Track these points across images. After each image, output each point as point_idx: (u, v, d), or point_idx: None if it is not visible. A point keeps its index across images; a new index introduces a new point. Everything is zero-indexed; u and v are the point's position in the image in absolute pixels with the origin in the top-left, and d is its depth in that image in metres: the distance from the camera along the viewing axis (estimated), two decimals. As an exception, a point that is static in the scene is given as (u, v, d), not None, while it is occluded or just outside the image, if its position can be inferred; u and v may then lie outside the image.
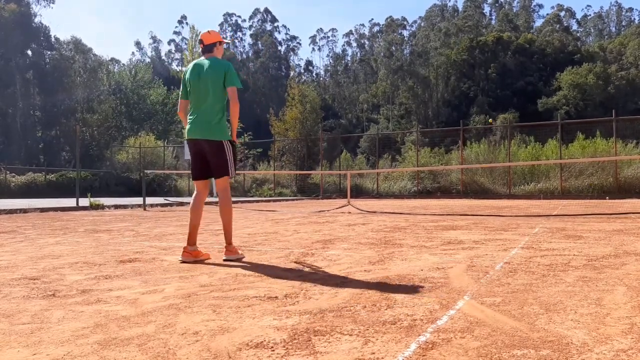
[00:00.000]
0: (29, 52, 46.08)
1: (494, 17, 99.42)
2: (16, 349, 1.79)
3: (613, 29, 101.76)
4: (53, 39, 48.88)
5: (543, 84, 62.35)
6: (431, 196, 20.89)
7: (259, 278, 3.10)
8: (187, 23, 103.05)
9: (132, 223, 8.00)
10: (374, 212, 10.63)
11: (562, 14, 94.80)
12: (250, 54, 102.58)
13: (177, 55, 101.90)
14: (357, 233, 5.91)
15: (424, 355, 1.66)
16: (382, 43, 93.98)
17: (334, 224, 7.50)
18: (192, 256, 3.81)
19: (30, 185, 25.67)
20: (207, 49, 4.00)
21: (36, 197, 21.75)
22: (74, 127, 34.77)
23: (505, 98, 61.75)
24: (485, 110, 58.49)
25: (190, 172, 4.17)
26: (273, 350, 1.72)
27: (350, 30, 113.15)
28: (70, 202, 14.82)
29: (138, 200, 15.61)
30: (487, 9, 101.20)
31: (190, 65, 4.01)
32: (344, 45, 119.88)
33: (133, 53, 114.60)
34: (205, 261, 3.81)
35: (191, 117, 3.91)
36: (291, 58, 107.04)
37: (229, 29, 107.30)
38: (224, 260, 3.82)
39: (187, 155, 7.36)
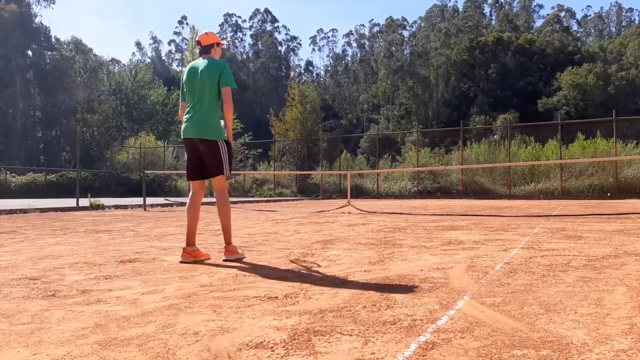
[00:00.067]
0: (30, 53, 46.10)
1: (494, 18, 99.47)
2: (16, 349, 1.79)
3: (613, 29, 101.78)
4: (53, 39, 48.90)
5: (543, 84, 62.36)
6: (431, 196, 20.89)
7: (259, 278, 3.10)
8: (187, 23, 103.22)
9: (132, 223, 8.00)
10: (374, 212, 10.63)
11: (562, 14, 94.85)
12: (250, 54, 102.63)
13: (178, 56, 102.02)
14: (357, 233, 5.91)
15: (424, 356, 1.66)
16: (382, 43, 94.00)
17: (334, 224, 7.50)
18: (192, 256, 3.81)
19: (31, 186, 25.67)
20: (205, 50, 4.02)
21: (36, 197, 21.75)
22: (74, 127, 34.78)
23: (505, 98, 61.77)
24: (486, 110, 58.52)
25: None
26: (273, 351, 1.73)
27: (351, 31, 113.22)
28: (70, 202, 14.82)
29: (138, 200, 15.62)
30: (487, 9, 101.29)
31: (187, 67, 4.05)
32: (344, 45, 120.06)
33: (133, 53, 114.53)
34: (205, 261, 3.81)
35: (187, 116, 3.92)
36: (291, 58, 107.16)
37: (229, 29, 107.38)
38: (224, 260, 3.82)
39: (187, 156, 7.35)
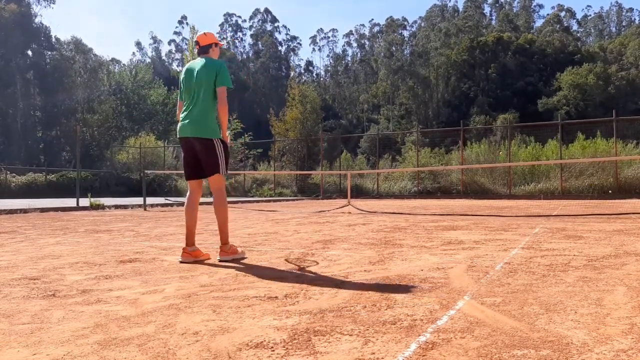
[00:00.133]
0: (30, 53, 46.13)
1: (494, 18, 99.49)
2: (16, 349, 1.79)
3: (613, 29, 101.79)
4: (53, 39, 48.93)
5: (543, 84, 62.38)
6: (431, 196, 20.89)
7: (259, 278, 3.10)
8: (187, 23, 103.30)
9: (133, 223, 8.00)
10: (374, 212, 10.63)
11: (563, 14, 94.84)
12: (250, 54, 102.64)
13: (178, 56, 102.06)
14: (357, 233, 5.91)
15: (424, 355, 1.66)
16: (382, 43, 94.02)
17: (334, 224, 7.50)
18: (192, 256, 3.80)
19: (31, 186, 25.67)
20: (203, 50, 4.03)
21: (36, 197, 21.75)
22: (74, 127, 34.78)
23: (505, 98, 61.78)
24: (486, 110, 58.54)
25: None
26: (273, 351, 1.72)
27: (351, 31, 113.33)
28: (70, 202, 14.82)
29: (138, 200, 15.62)
30: (487, 9, 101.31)
31: (185, 66, 4.06)
32: (344, 45, 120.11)
33: (133, 53, 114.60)
34: (205, 261, 3.81)
35: (183, 115, 3.92)
36: (291, 58, 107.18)
37: (229, 29, 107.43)
38: (219, 260, 3.80)
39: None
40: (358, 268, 3.40)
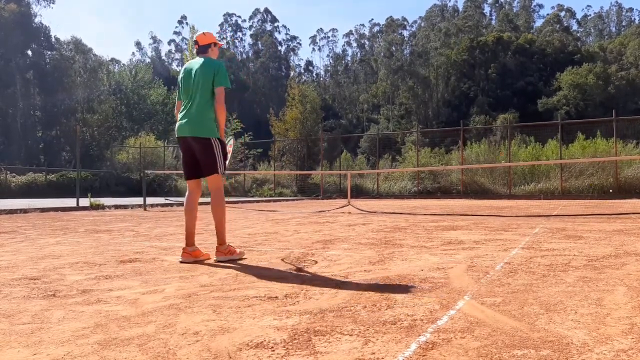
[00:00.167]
0: (29, 52, 46.12)
1: (494, 17, 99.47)
2: (16, 349, 1.79)
3: (613, 29, 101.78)
4: (53, 39, 48.91)
5: (543, 84, 62.38)
6: (431, 196, 20.89)
7: (259, 278, 3.10)
8: (187, 23, 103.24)
9: (133, 223, 8.00)
10: (374, 212, 10.63)
11: (562, 14, 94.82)
12: (250, 54, 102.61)
13: (177, 56, 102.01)
14: (357, 233, 5.91)
15: (424, 356, 1.66)
16: (382, 43, 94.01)
17: (334, 224, 7.51)
18: (192, 256, 3.80)
19: (31, 186, 25.67)
20: (202, 49, 4.02)
21: (36, 197, 21.75)
22: (74, 127, 34.79)
23: (505, 98, 61.78)
24: (486, 110, 58.53)
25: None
26: (273, 351, 1.73)
27: (351, 31, 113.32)
28: (70, 202, 14.82)
29: (138, 200, 15.62)
30: (487, 9, 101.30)
31: (184, 66, 4.05)
32: (344, 45, 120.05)
33: (133, 53, 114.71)
34: (205, 261, 3.81)
35: (181, 115, 3.92)
36: (291, 58, 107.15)
37: (229, 29, 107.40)
38: (215, 260, 3.79)
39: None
40: (358, 268, 3.40)
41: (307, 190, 24.22)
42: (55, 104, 43.65)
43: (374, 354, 1.68)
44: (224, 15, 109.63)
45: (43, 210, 11.81)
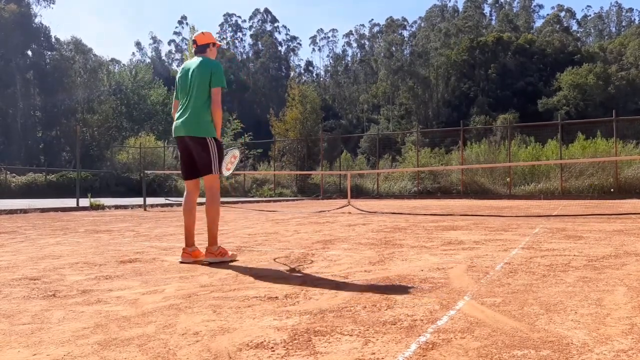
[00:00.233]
0: (29, 53, 46.13)
1: (494, 18, 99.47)
2: (16, 349, 1.79)
3: (613, 30, 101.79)
4: (53, 40, 48.93)
5: (543, 84, 62.37)
6: (431, 196, 20.89)
7: (259, 278, 3.10)
8: (187, 23, 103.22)
9: (133, 223, 8.00)
10: (374, 212, 10.63)
11: (562, 14, 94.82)
12: (250, 54, 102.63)
13: (178, 56, 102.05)
14: (357, 233, 5.91)
15: (424, 356, 1.66)
16: (382, 43, 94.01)
17: (334, 224, 7.51)
18: (192, 257, 3.80)
19: (31, 186, 25.68)
20: (200, 49, 4.00)
21: (36, 198, 21.76)
22: (74, 127, 34.79)
23: (505, 98, 61.77)
24: (486, 110, 58.53)
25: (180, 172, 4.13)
26: (273, 351, 1.73)
27: (351, 31, 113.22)
28: (70, 202, 14.82)
29: (138, 200, 15.62)
30: (487, 10, 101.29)
31: (182, 66, 4.05)
32: (344, 45, 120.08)
33: (133, 53, 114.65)
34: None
35: (178, 115, 3.91)
36: (291, 58, 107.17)
37: (229, 29, 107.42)
38: (205, 262, 3.74)
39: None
40: (358, 268, 3.40)
41: (307, 190, 24.22)
42: (55, 104, 43.67)
43: (374, 354, 1.68)
44: (224, 15, 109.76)
45: (43, 210, 11.81)
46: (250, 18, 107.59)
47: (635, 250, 4.09)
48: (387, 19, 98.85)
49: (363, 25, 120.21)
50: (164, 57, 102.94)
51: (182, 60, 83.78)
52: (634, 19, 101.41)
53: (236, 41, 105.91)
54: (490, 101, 62.26)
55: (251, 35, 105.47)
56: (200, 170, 3.84)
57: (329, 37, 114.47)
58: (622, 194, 17.42)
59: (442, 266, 3.44)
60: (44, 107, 44.79)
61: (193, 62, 3.92)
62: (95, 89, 44.83)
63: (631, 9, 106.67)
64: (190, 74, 3.85)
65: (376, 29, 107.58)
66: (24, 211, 11.34)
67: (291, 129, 26.93)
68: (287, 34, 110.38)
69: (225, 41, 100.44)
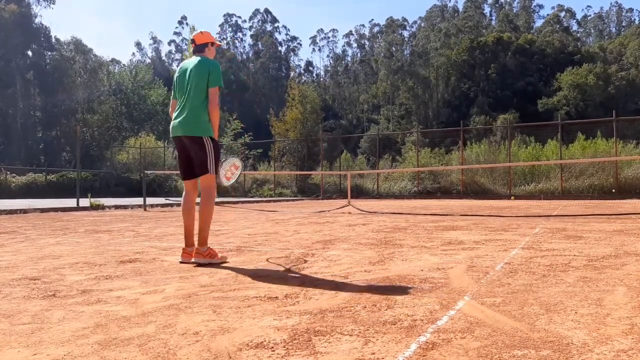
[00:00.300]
0: (30, 53, 46.15)
1: (494, 18, 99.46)
2: (16, 349, 1.79)
3: (613, 30, 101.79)
4: (53, 40, 48.95)
5: (543, 85, 62.37)
6: (431, 196, 20.89)
7: (259, 278, 3.09)
8: (187, 23, 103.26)
9: (133, 223, 8.00)
10: (374, 212, 10.63)
11: (562, 14, 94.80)
12: (250, 55, 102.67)
13: (178, 56, 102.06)
14: (357, 233, 5.91)
15: (424, 356, 1.66)
16: (382, 43, 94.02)
17: (334, 224, 7.51)
18: (192, 257, 3.80)
19: (31, 186, 25.68)
20: (199, 48, 3.98)
21: (36, 198, 21.76)
22: (74, 127, 34.80)
23: (505, 98, 61.78)
24: (486, 110, 58.53)
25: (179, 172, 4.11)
26: (273, 351, 1.72)
27: (351, 31, 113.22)
28: (70, 202, 14.82)
29: (138, 200, 15.62)
30: (487, 10, 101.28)
31: (180, 65, 4.04)
32: (344, 45, 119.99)
33: (133, 53, 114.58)
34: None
35: (175, 114, 3.89)
36: (291, 58, 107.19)
37: (229, 29, 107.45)
38: (192, 262, 3.69)
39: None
40: (358, 268, 3.40)
41: (307, 190, 24.22)
42: (55, 104, 43.68)
43: (374, 354, 1.68)
44: (224, 15, 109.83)
45: (43, 210, 11.81)
46: (250, 18, 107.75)
47: (635, 250, 4.09)
48: (387, 19, 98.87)
49: (363, 26, 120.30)
50: (164, 57, 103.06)
51: (182, 61, 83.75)
52: (634, 19, 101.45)
53: (236, 41, 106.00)
54: (490, 101, 62.26)
55: (251, 36, 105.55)
56: (197, 169, 3.81)
57: (329, 37, 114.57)
58: (622, 194, 17.42)
59: (442, 266, 3.44)
60: (44, 107, 44.80)
61: (191, 61, 3.90)
62: (95, 89, 44.86)
63: (631, 9, 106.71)
64: (188, 73, 3.83)
65: (376, 29, 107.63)
66: (24, 211, 11.34)
67: (291, 129, 26.94)
68: (287, 34, 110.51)
69: (225, 41, 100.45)
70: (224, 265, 3.65)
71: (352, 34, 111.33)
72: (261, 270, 3.41)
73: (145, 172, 17.37)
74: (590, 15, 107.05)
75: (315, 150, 26.40)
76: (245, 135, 28.37)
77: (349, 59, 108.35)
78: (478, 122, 51.31)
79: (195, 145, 3.77)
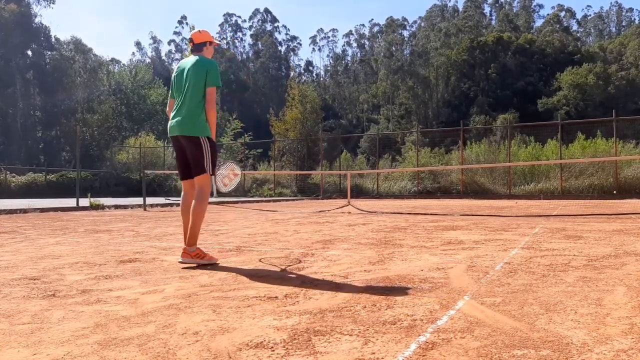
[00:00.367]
0: (29, 53, 46.13)
1: (494, 18, 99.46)
2: (16, 349, 1.79)
3: (613, 29, 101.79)
4: (53, 39, 48.93)
5: (543, 84, 62.37)
6: (431, 196, 20.89)
7: (258, 278, 3.09)
8: (187, 23, 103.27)
9: (132, 223, 8.00)
10: (374, 212, 10.63)
11: (562, 14, 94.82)
12: (250, 54, 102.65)
13: (178, 56, 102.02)
14: (357, 233, 5.91)
15: (424, 356, 1.66)
16: (382, 43, 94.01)
17: (334, 224, 7.50)
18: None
19: (31, 186, 25.68)
20: (196, 47, 3.96)
21: (36, 197, 21.75)
22: (74, 127, 34.80)
23: (505, 98, 61.78)
24: (486, 110, 58.53)
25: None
26: (273, 351, 1.72)
27: (351, 31, 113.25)
28: (70, 202, 14.82)
29: (138, 200, 15.62)
30: (487, 9, 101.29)
31: (178, 65, 4.01)
32: (344, 45, 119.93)
33: (133, 53, 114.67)
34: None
35: (173, 114, 3.88)
36: (291, 58, 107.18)
37: (229, 29, 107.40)
38: (179, 262, 3.66)
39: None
40: (358, 268, 3.40)
41: (307, 190, 24.22)
42: (55, 104, 43.67)
43: (373, 354, 1.68)
44: (224, 15, 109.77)
45: (43, 210, 11.80)
46: (250, 18, 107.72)
47: (635, 250, 4.09)
48: (387, 19, 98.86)
49: (363, 25, 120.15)
50: (164, 57, 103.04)
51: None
52: (634, 19, 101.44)
53: (236, 41, 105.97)
54: (490, 101, 62.26)
55: (251, 35, 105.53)
56: (193, 169, 3.78)
57: (329, 37, 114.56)
58: (622, 194, 17.42)
59: (442, 266, 3.44)
60: (44, 107, 44.79)
61: (189, 60, 3.88)
62: (95, 89, 44.85)
63: (631, 9, 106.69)
64: (185, 72, 3.81)
65: (376, 28, 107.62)
66: (24, 211, 11.34)
67: (291, 129, 26.94)
68: (287, 34, 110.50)
69: (225, 41, 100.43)
70: (223, 265, 3.65)
71: (352, 34, 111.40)
72: (261, 270, 3.41)
73: (145, 171, 17.37)
74: (590, 15, 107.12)
75: (315, 150, 26.40)
76: (245, 135, 28.37)
77: (349, 58, 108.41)
78: (478, 122, 51.32)
79: (192, 145, 3.75)
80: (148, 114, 44.25)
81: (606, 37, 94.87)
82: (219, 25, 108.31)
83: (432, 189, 21.79)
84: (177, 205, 14.91)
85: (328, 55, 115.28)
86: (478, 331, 1.91)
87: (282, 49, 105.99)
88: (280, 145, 27.30)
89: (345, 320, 2.08)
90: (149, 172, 21.60)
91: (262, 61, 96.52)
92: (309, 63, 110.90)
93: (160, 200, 17.61)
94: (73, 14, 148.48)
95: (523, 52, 67.80)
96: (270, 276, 3.16)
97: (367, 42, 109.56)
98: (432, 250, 4.30)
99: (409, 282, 2.88)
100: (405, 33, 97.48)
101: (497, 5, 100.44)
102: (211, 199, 10.44)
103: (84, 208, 12.87)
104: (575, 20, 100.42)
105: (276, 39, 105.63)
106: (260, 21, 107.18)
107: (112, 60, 64.42)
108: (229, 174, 4.12)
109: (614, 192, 17.53)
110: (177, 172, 4.07)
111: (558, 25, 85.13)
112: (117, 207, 13.73)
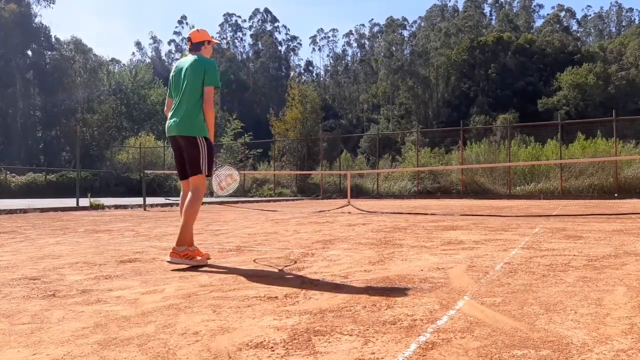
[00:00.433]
0: (29, 53, 46.14)
1: (494, 17, 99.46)
2: (16, 349, 1.79)
3: (613, 29, 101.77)
4: (53, 39, 48.93)
5: (543, 84, 62.37)
6: (431, 196, 20.89)
7: (258, 278, 3.09)
8: (187, 23, 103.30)
9: (132, 223, 8.00)
10: (374, 212, 10.63)
11: (562, 14, 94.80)
12: (250, 54, 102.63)
13: (178, 56, 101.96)
14: (357, 233, 5.91)
15: (424, 356, 1.66)
16: (382, 43, 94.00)
17: (334, 224, 7.50)
18: (192, 256, 3.78)
19: (31, 186, 25.69)
20: (195, 47, 3.92)
21: (36, 197, 21.76)
22: (74, 127, 34.80)
23: (505, 98, 61.78)
24: (486, 110, 58.53)
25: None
26: (273, 351, 1.72)
27: (351, 31, 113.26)
28: (70, 202, 14.82)
29: (138, 200, 15.62)
30: (487, 9, 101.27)
31: (176, 64, 3.98)
32: (344, 45, 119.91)
33: (133, 53, 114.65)
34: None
35: (170, 114, 3.86)
36: (291, 58, 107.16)
37: (229, 29, 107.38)
38: (167, 262, 3.62)
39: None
40: (358, 268, 3.40)
41: (307, 190, 24.22)
42: (55, 104, 43.67)
43: (373, 354, 1.68)
44: (224, 15, 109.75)
45: (43, 210, 11.80)
46: (250, 18, 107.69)
47: (635, 250, 4.09)
48: (387, 19, 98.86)
49: (363, 25, 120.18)
50: (164, 57, 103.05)
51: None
52: (634, 19, 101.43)
53: (236, 41, 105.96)
54: (490, 101, 62.26)
55: (251, 35, 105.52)
56: (189, 169, 3.75)
57: (329, 37, 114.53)
58: (622, 194, 17.42)
59: (442, 266, 3.44)
60: (44, 107, 44.80)
61: (187, 60, 3.85)
62: (95, 89, 44.86)
63: (631, 9, 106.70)
64: (183, 72, 3.78)
65: (376, 28, 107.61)
66: (24, 211, 11.34)
67: (291, 129, 26.94)
68: (287, 34, 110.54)
69: (225, 41, 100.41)
70: (223, 265, 3.65)
71: (352, 34, 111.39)
72: (261, 270, 3.41)
73: (145, 171, 17.36)
74: (590, 15, 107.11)
75: (315, 150, 26.40)
76: (245, 135, 28.37)
77: (349, 58, 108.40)
78: (478, 122, 51.32)
79: (189, 145, 3.72)
80: (148, 114, 44.26)
81: (606, 37, 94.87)
82: (219, 25, 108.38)
83: (432, 189, 21.79)
84: (177, 205, 14.91)
85: (328, 55, 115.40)
86: (478, 331, 1.91)
87: (282, 49, 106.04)
88: (280, 145, 27.30)
89: (345, 320, 2.08)
90: (149, 172, 21.60)
91: (262, 61, 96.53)
92: (309, 63, 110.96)
93: (160, 200, 17.61)
94: (73, 14, 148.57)
95: (523, 52, 67.80)
96: (270, 276, 3.16)
97: (367, 42, 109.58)
98: (432, 250, 4.30)
99: (409, 282, 2.88)
100: (405, 33, 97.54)
101: (497, 5, 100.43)
102: (211, 199, 10.44)
103: (84, 208, 12.87)
104: (575, 20, 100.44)
105: (276, 39, 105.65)
106: (260, 21, 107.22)
107: (112, 60, 64.44)
108: (226, 178, 4.09)
109: (615, 194, 17.52)
110: (176, 172, 4.05)
111: (558, 25, 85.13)
112: (117, 207, 13.73)
